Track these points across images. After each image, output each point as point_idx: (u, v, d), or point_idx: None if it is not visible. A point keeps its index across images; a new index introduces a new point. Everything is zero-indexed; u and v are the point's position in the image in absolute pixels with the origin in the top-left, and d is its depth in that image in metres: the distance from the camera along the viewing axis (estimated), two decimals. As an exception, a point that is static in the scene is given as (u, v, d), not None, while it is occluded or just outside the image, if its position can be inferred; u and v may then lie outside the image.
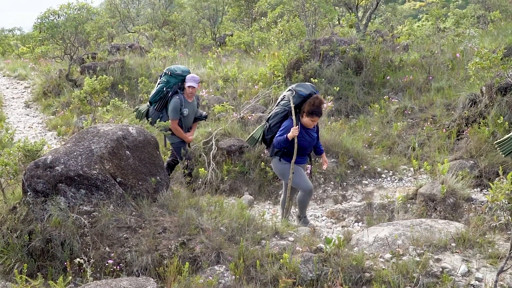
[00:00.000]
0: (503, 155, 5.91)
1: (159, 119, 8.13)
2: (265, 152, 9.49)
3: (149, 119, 8.38)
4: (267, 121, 7.13)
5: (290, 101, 6.73)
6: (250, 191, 9.34)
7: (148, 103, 8.57)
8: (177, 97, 8.15)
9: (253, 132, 7.45)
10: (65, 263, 5.20)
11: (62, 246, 5.45)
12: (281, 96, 7.03)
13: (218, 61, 17.64)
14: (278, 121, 6.90)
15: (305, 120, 6.68)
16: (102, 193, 5.85)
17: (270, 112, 7.24)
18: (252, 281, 5.08)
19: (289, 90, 6.91)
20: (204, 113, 8.82)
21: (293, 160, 6.74)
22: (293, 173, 6.81)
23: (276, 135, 6.77)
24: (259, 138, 7.29)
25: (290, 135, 6.54)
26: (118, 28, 29.27)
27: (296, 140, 6.61)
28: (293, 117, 6.62)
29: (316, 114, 6.59)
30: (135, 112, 8.70)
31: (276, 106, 7.05)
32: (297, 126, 6.57)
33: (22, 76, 19.21)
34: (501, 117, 8.73)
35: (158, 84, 8.33)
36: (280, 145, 6.68)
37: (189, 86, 8.15)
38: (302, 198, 7.09)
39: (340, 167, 9.31)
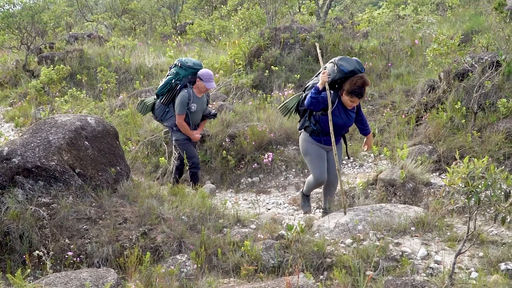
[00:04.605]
0: None
1: (164, 113, 7.85)
2: (227, 140, 9.47)
3: (155, 113, 8.01)
4: (304, 91, 6.65)
5: (330, 74, 6.20)
6: (212, 179, 9.32)
7: (155, 95, 8.02)
8: (186, 90, 7.62)
9: (287, 100, 6.88)
10: (24, 256, 5.11)
11: (20, 238, 5.36)
12: (322, 69, 6.32)
13: (179, 49, 17.53)
14: None
15: (344, 99, 6.20)
16: (61, 184, 5.77)
17: (307, 82, 6.70)
18: (214, 269, 5.09)
19: (331, 62, 6.37)
20: (213, 111, 8.29)
21: (333, 144, 6.27)
22: (333, 153, 6.37)
23: (308, 95, 6.20)
24: (292, 107, 6.80)
25: (320, 83, 6.04)
26: (76, 17, 28.77)
27: (330, 118, 6.12)
28: (328, 96, 6.10)
29: (356, 94, 6.07)
30: (140, 105, 8.11)
31: (315, 76, 6.58)
32: (326, 71, 6.06)
33: (-23, 67, 18.77)
34: (459, 102, 8.88)
35: (167, 76, 7.80)
36: (310, 101, 6.11)
37: (208, 88, 7.74)
38: (310, 181, 6.77)
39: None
